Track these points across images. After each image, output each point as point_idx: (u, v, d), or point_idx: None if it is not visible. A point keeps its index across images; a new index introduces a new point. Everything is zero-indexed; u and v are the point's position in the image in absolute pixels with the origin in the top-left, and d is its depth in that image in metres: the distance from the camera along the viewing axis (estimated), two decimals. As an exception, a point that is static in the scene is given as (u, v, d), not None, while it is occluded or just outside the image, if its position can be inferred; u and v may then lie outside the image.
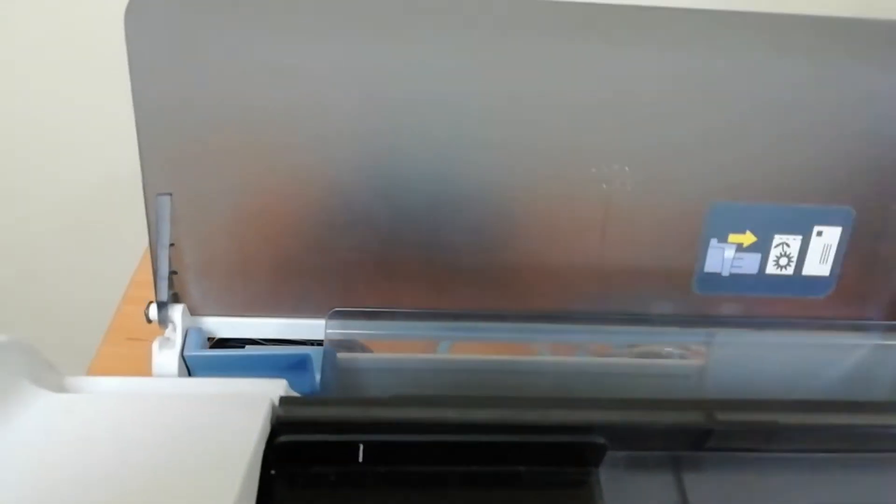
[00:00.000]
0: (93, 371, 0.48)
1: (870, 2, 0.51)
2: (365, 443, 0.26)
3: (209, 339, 0.38)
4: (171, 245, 0.34)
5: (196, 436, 0.24)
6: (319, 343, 0.35)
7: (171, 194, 0.34)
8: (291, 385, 0.33)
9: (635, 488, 0.28)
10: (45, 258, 0.74)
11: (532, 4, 0.32)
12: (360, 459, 0.26)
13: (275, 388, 0.28)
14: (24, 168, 0.68)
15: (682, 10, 0.32)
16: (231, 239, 0.35)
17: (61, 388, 0.28)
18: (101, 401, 0.26)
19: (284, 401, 0.27)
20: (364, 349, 0.36)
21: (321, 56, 0.32)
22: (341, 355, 0.35)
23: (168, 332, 0.34)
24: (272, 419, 0.26)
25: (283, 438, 0.25)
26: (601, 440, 0.26)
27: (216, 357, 0.34)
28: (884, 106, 0.34)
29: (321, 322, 0.35)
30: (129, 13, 0.31)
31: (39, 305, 0.77)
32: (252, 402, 0.26)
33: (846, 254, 0.36)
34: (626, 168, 0.34)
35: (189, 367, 0.34)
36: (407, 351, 0.36)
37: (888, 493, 0.28)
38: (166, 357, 0.33)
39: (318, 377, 0.34)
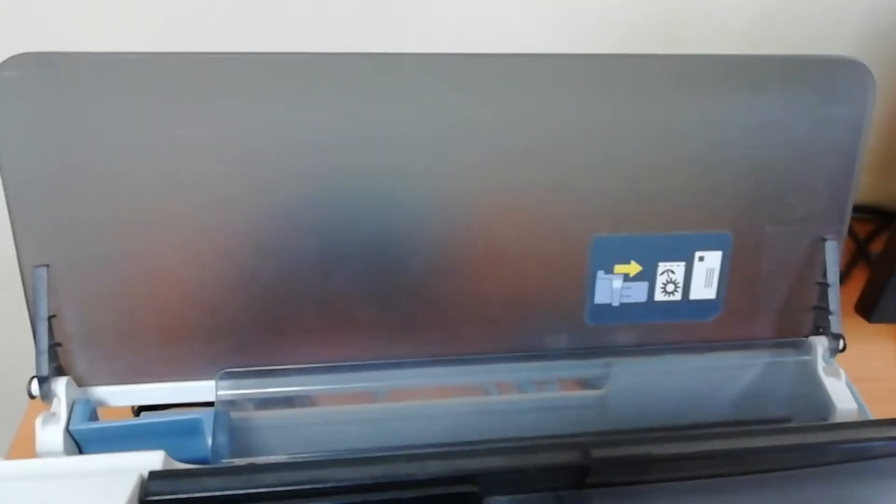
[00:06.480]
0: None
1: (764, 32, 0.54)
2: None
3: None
4: (53, 317, 0.34)
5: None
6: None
7: (47, 265, 0.33)
8: (183, 451, 0.32)
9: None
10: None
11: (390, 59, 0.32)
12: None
13: (149, 462, 0.27)
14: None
15: (558, 55, 0.33)
16: (115, 305, 0.34)
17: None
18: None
19: (154, 475, 0.26)
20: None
21: (200, 116, 0.32)
22: (235, 415, 0.34)
23: (53, 406, 0.33)
24: (140, 495, 0.25)
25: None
26: (474, 489, 0.26)
27: (104, 429, 0.33)
28: (752, 133, 0.35)
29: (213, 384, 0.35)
30: (-8, 84, 0.31)
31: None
32: (121, 478, 0.26)
33: (729, 276, 0.37)
34: (508, 206, 0.35)
35: (77, 442, 0.33)
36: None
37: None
38: (51, 433, 0.32)
39: (209, 441, 0.33)
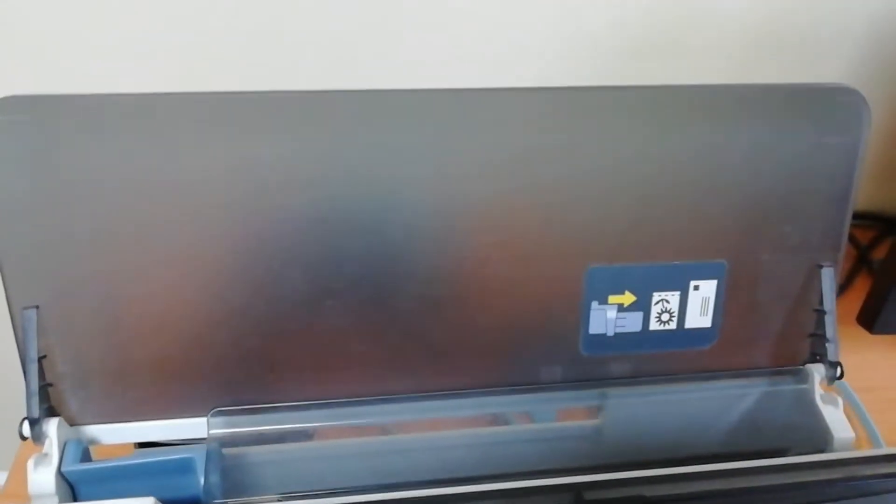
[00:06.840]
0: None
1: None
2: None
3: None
4: (43, 357, 0.33)
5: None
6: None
7: (37, 307, 0.33)
8: (176, 490, 0.32)
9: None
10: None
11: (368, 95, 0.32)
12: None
13: (139, 511, 0.27)
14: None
15: (551, 88, 0.33)
16: (106, 344, 0.34)
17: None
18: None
19: (142, 528, 0.26)
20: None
21: (188, 156, 0.32)
22: (228, 452, 0.34)
23: (45, 447, 0.33)
24: (129, 550, 0.25)
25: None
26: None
27: (95, 470, 0.33)
28: (747, 162, 0.35)
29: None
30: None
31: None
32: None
33: (725, 305, 0.36)
34: (503, 239, 0.34)
35: (70, 483, 0.33)
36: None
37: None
38: (42, 475, 0.32)
39: (202, 480, 0.33)
